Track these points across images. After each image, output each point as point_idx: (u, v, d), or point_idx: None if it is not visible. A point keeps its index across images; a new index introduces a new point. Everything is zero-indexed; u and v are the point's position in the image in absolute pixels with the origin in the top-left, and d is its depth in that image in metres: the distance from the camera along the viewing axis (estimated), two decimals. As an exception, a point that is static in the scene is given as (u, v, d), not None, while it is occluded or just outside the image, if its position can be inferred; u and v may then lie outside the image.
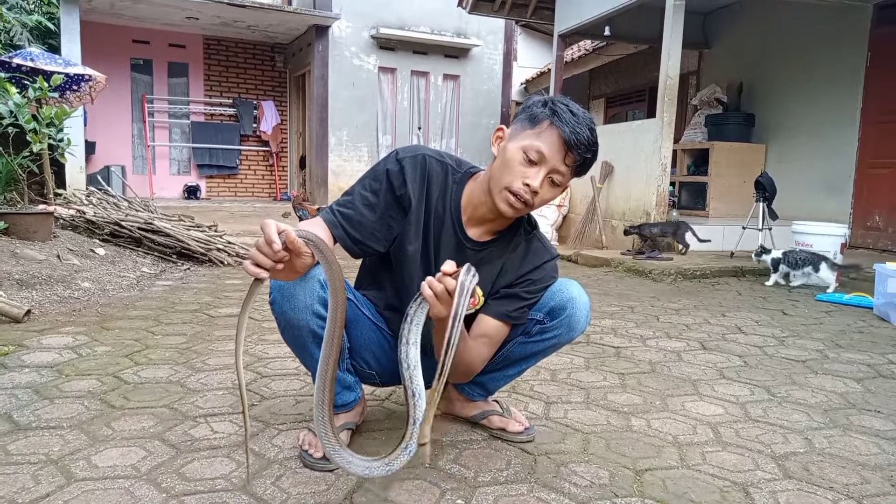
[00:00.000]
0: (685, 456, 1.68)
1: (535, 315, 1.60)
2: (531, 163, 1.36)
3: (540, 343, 1.62)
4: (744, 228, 5.36)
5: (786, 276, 4.56)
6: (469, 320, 1.53)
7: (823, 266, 4.29)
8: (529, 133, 1.38)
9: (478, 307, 1.42)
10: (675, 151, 6.85)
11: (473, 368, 1.57)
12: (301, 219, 7.28)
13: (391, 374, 1.68)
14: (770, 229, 5.25)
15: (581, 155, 1.37)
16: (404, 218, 1.49)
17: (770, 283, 4.59)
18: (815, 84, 6.79)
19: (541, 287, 1.57)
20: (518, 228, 1.55)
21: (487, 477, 1.52)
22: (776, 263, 4.52)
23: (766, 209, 5.24)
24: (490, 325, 1.53)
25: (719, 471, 1.59)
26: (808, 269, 4.35)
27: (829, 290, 4.21)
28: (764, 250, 4.66)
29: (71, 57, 7.74)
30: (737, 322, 3.35)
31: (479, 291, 1.37)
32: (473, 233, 1.52)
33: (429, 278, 1.25)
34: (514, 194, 1.37)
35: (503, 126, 1.46)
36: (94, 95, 6.15)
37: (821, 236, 4.62)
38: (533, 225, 1.58)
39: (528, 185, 1.36)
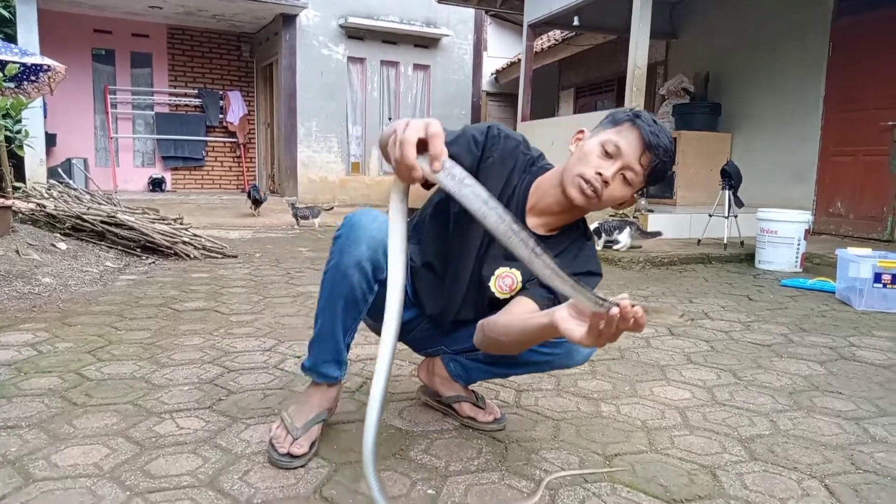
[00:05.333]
0: (654, 440, 1.70)
1: (548, 351, 1.54)
2: (608, 155, 1.37)
3: (535, 354, 1.56)
4: (710, 216, 5.44)
5: (610, 243, 5.32)
6: (498, 305, 1.54)
7: (627, 230, 5.28)
8: (610, 131, 1.40)
9: (515, 291, 1.51)
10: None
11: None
12: (302, 218, 7.13)
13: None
14: (736, 217, 5.33)
15: (658, 157, 1.37)
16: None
17: (599, 248, 5.17)
18: (779, 74, 6.90)
19: (590, 276, 1.54)
20: (575, 232, 1.55)
21: (458, 466, 1.52)
22: (598, 232, 5.28)
23: (731, 197, 5.32)
24: (526, 304, 1.47)
25: (687, 454, 1.61)
26: (616, 232, 5.28)
27: (620, 248, 5.21)
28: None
29: (28, 46, 7.50)
30: (704, 308, 3.40)
31: (518, 276, 1.50)
32: (532, 222, 1.51)
33: None
34: (586, 181, 1.37)
35: (583, 129, 1.49)
36: (54, 86, 5.97)
37: (786, 223, 4.71)
38: (588, 236, 1.58)
39: (600, 174, 1.36)
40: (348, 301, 1.44)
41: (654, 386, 2.13)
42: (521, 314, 1.36)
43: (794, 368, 2.35)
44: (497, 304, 1.53)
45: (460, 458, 1.55)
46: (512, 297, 1.51)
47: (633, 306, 1.01)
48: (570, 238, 1.54)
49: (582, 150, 1.41)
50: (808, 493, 1.42)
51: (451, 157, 1.04)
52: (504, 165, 1.49)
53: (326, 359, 1.52)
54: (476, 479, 1.45)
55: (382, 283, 1.38)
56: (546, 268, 0.99)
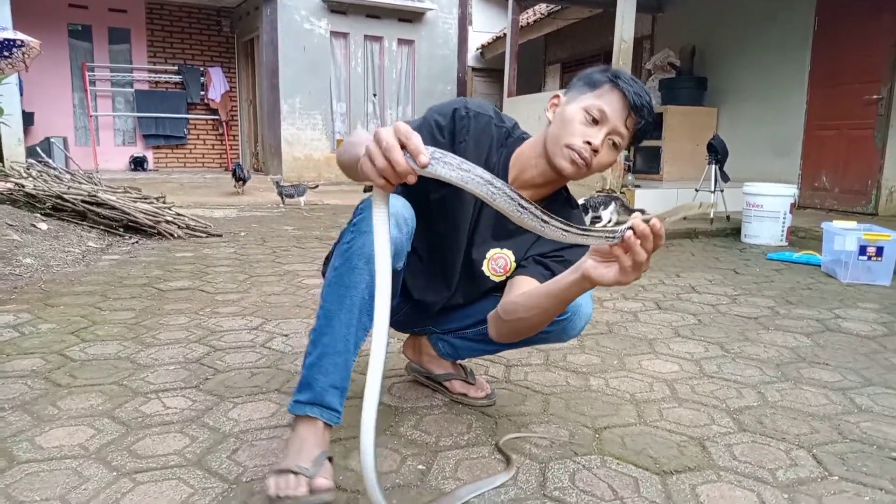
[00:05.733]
0: (643, 413, 1.70)
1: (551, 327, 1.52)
2: (593, 122, 1.31)
3: None
4: (696, 191, 5.45)
5: (596, 219, 5.36)
6: (489, 288, 1.54)
7: (612, 206, 5.38)
8: (590, 95, 1.33)
9: (509, 273, 1.49)
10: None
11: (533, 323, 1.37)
12: (287, 196, 7.01)
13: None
14: (722, 191, 5.35)
15: (643, 118, 1.32)
16: None
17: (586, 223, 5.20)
18: (765, 48, 6.88)
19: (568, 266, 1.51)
20: (559, 201, 1.49)
21: (449, 441, 1.51)
22: (584, 208, 5.31)
23: (718, 172, 5.33)
24: (529, 283, 1.42)
25: (676, 426, 1.62)
26: (601, 208, 5.37)
27: (606, 224, 5.22)
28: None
29: (0, 21, 7.31)
30: (691, 282, 3.41)
31: (510, 256, 1.49)
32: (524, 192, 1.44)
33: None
34: (576, 151, 1.31)
35: (558, 93, 1.42)
36: (28, 63, 5.82)
37: (771, 197, 4.73)
38: (574, 204, 1.54)
39: (589, 143, 1.31)
40: (370, 295, 1.23)
41: (642, 359, 2.14)
42: (535, 289, 1.33)
43: (780, 340, 2.36)
44: (488, 288, 1.52)
45: (450, 434, 1.55)
46: (507, 279, 1.49)
47: (647, 222, 1.01)
48: (557, 207, 1.47)
49: (563, 117, 1.35)
50: (796, 462, 1.43)
51: None
52: (480, 145, 1.43)
53: (333, 383, 1.26)
54: (466, 454, 1.45)
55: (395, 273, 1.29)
56: (558, 230, 1.01)
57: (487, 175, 0.95)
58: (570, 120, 1.33)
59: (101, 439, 1.50)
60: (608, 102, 1.32)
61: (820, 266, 3.81)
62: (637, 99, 1.31)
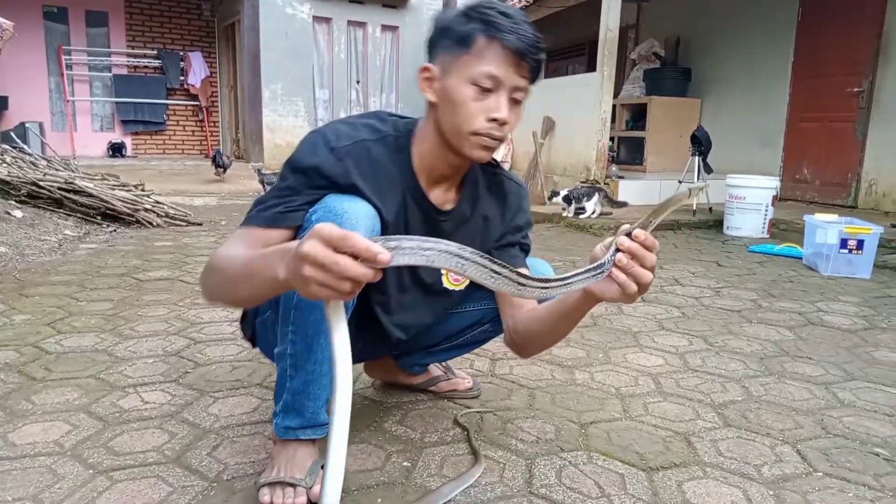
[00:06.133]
0: (628, 407, 1.70)
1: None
2: (486, 91, 1.12)
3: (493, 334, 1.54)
4: (680, 182, 5.46)
5: (578, 210, 5.43)
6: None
7: (595, 197, 5.36)
8: (467, 59, 1.12)
9: (464, 284, 1.38)
10: (614, 106, 6.88)
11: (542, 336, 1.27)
12: (268, 184, 6.92)
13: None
14: (705, 183, 5.36)
15: (534, 59, 1.13)
16: None
17: (570, 215, 5.41)
18: (749, 39, 6.90)
19: (529, 226, 1.42)
20: (472, 179, 1.33)
21: (434, 437, 1.49)
22: (567, 200, 5.40)
23: (701, 163, 5.35)
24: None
25: (661, 421, 1.61)
26: (584, 199, 5.37)
27: (590, 216, 5.32)
28: (554, 193, 5.62)
29: (-27, 2, 7.11)
30: (674, 274, 3.42)
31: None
32: (437, 196, 1.28)
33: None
34: (487, 136, 1.14)
35: (427, 65, 1.18)
36: (1, 45, 5.67)
37: (754, 189, 4.75)
38: (493, 163, 1.37)
39: (495, 119, 1.13)
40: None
41: (627, 353, 2.13)
42: (545, 314, 1.20)
43: (763, 334, 2.37)
44: (451, 300, 1.44)
45: (435, 430, 1.53)
46: (460, 290, 1.39)
47: (630, 239, 0.93)
48: (479, 180, 1.34)
49: (450, 98, 1.14)
50: (781, 458, 1.43)
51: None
52: (377, 174, 1.19)
53: (323, 401, 1.21)
54: (452, 451, 1.43)
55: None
56: (537, 289, 0.96)
57: (453, 247, 0.85)
58: (461, 101, 1.13)
59: (77, 435, 1.46)
60: (494, 62, 1.11)
61: (801, 259, 3.84)
62: (520, 43, 1.10)
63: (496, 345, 2.13)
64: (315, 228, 0.76)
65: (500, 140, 1.17)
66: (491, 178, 1.36)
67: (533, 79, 1.17)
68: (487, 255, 0.88)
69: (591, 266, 0.96)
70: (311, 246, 0.75)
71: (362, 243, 0.75)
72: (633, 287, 0.94)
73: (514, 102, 1.17)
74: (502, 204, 1.37)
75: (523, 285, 0.94)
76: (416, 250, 0.83)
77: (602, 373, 1.94)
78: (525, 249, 1.41)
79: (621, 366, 2.01)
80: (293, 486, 1.18)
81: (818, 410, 1.70)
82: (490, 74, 1.11)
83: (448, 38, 1.15)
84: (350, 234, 0.75)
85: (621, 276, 0.94)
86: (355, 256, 0.75)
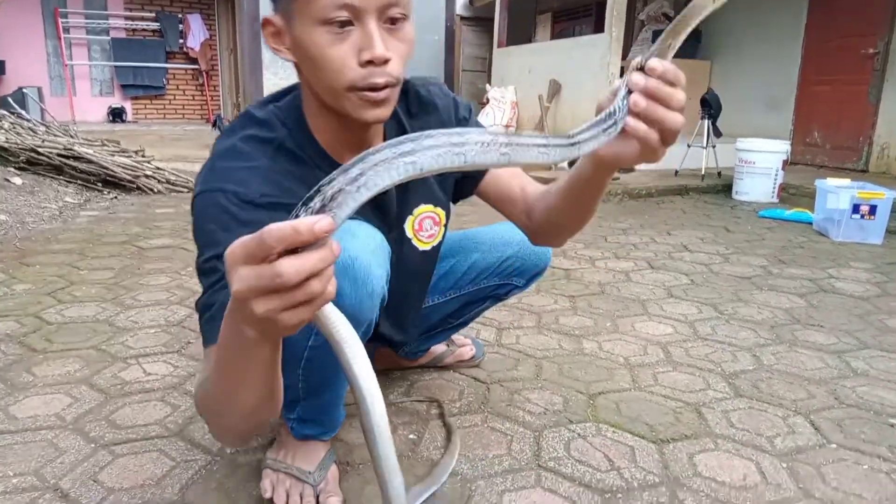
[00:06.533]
0: (637, 378, 1.67)
1: (517, 282, 1.44)
2: (345, 26, 0.85)
3: (491, 301, 1.50)
4: (688, 146, 5.37)
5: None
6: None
7: None
8: None
9: (440, 235, 1.22)
10: (621, 69, 6.73)
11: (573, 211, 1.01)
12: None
13: None
14: (714, 147, 5.27)
15: None
16: None
17: None
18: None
19: (471, 111, 1.20)
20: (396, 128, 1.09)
21: (439, 409, 1.47)
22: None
23: (710, 127, 5.24)
24: (508, 176, 1.17)
25: (671, 391, 1.59)
26: None
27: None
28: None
29: (-34, -37, 6.95)
30: (682, 240, 3.37)
31: (439, 213, 1.19)
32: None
33: None
34: (368, 88, 0.88)
35: (267, 17, 0.92)
36: (-4, 7, 5.55)
37: (764, 153, 4.66)
38: (404, 89, 1.09)
39: (370, 61, 0.86)
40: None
41: (635, 321, 2.10)
42: (558, 194, 0.99)
43: (774, 301, 2.33)
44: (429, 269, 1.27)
45: (442, 401, 1.50)
46: (435, 245, 1.22)
47: (644, 75, 0.68)
48: (405, 120, 1.10)
49: (304, 52, 0.88)
50: (793, 429, 1.40)
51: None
52: (303, 187, 0.80)
53: (343, 398, 1.15)
54: (458, 423, 1.40)
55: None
56: (533, 148, 0.64)
57: (406, 145, 0.55)
58: (318, 53, 0.87)
59: (78, 408, 1.44)
60: None
61: (812, 224, 3.78)
62: None
63: (502, 314, 2.11)
64: (226, 256, 0.54)
65: (390, 85, 0.89)
66: (407, 103, 1.11)
67: None
68: (485, 131, 0.60)
69: (598, 118, 0.69)
70: (238, 280, 0.53)
71: (285, 230, 0.51)
72: (656, 137, 0.69)
73: (392, 24, 0.88)
74: (436, 117, 1.13)
75: (528, 146, 0.63)
76: (388, 165, 0.55)
77: (610, 342, 1.91)
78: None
79: (629, 335, 1.98)
80: (301, 481, 1.12)
81: (831, 380, 1.67)
82: (342, 4, 0.83)
83: None
84: (263, 233, 0.51)
85: (640, 127, 0.68)
86: (294, 250, 0.53)
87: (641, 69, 0.69)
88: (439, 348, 1.68)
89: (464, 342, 1.72)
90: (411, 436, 1.35)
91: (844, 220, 3.38)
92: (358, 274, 0.92)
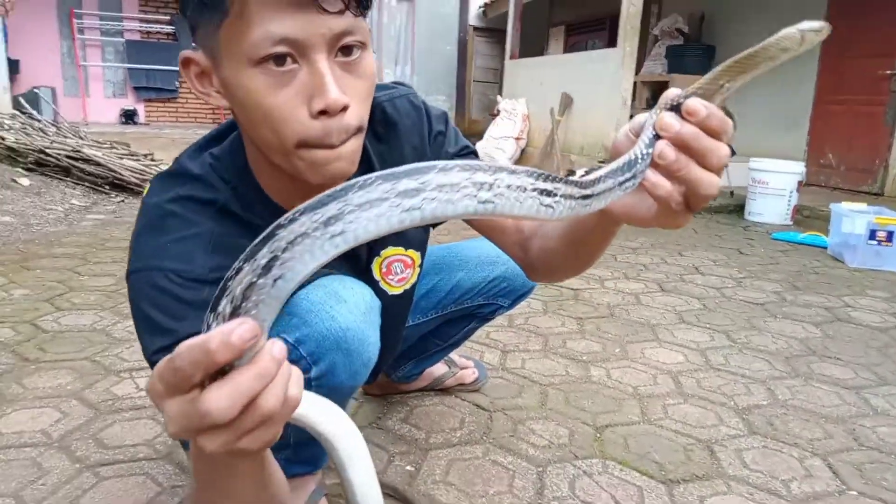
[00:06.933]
0: (646, 409, 1.60)
1: (502, 303, 1.39)
2: (285, 63, 0.67)
3: (477, 320, 1.44)
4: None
5: None
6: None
7: None
8: (230, 26, 0.66)
9: (412, 278, 1.09)
10: (634, 84, 6.69)
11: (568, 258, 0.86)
12: None
13: None
14: (727, 165, 5.19)
15: None
16: None
17: None
18: (776, 16, 6.63)
19: (444, 120, 1.02)
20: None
21: (440, 438, 1.41)
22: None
23: (724, 145, 5.17)
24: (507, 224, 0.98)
25: (682, 426, 1.52)
26: None
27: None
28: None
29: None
30: (694, 262, 3.30)
31: (412, 255, 1.06)
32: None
33: None
34: (322, 146, 0.71)
35: (188, 54, 0.74)
36: (9, 6, 5.57)
37: (779, 174, 4.59)
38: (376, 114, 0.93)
39: (324, 111, 0.68)
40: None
41: (645, 347, 2.03)
42: (559, 238, 0.82)
43: (789, 330, 2.26)
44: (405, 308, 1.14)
45: (442, 429, 1.45)
46: (408, 289, 1.10)
47: (677, 117, 0.53)
48: (371, 148, 0.93)
49: (237, 99, 0.71)
50: (810, 473, 1.34)
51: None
52: (227, 248, 0.76)
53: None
54: (459, 454, 1.35)
55: None
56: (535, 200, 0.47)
57: (332, 206, 0.41)
58: (255, 105, 0.69)
59: (66, 424, 1.40)
60: (271, 10, 0.64)
61: (826, 248, 3.70)
62: None
63: (508, 335, 2.05)
64: (148, 391, 0.44)
65: (351, 132, 0.72)
66: (372, 124, 0.90)
67: (359, 5, 0.68)
68: (455, 165, 0.43)
69: (614, 167, 0.54)
70: (169, 420, 0.42)
71: (194, 353, 0.39)
72: (680, 200, 0.55)
73: (347, 56, 0.70)
74: (408, 140, 0.96)
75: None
76: (309, 242, 0.41)
77: (619, 369, 1.85)
78: (475, 152, 1.04)
79: (639, 362, 1.91)
80: None
81: (849, 418, 1.60)
82: (276, 37, 0.65)
83: (192, 7, 0.69)
84: (175, 357, 0.40)
85: (662, 185, 0.54)
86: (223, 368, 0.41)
87: (676, 108, 0.53)
88: (439, 369, 1.62)
89: (466, 364, 1.66)
90: (409, 467, 1.29)
91: (861, 246, 3.31)
92: (352, 346, 0.84)
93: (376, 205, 0.40)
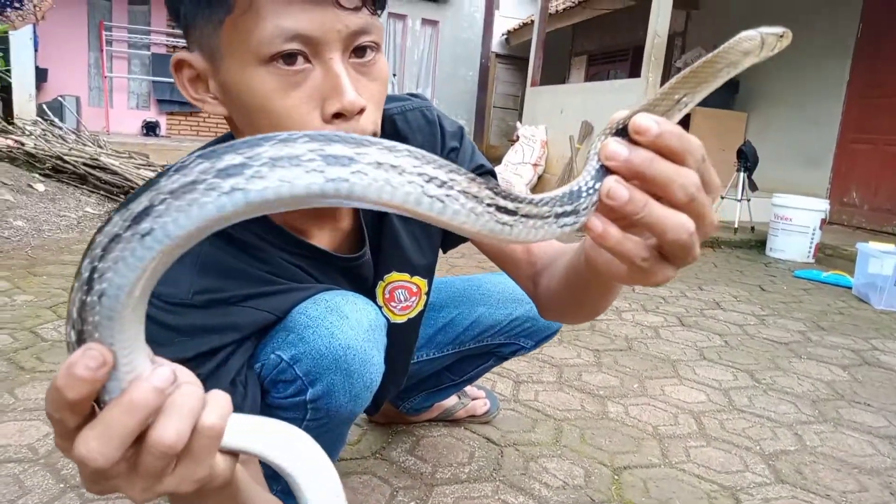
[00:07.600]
0: (667, 451, 1.51)
1: (524, 343, 1.28)
2: (298, 62, 0.62)
3: (494, 358, 1.34)
4: (722, 198, 5.20)
5: None
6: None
7: None
8: (235, 23, 0.61)
9: (419, 306, 1.01)
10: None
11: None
12: None
13: None
14: (749, 200, 5.11)
15: None
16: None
17: None
18: (802, 53, 6.58)
19: (461, 137, 0.95)
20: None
21: (447, 473, 1.32)
22: None
23: (746, 179, 5.09)
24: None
25: (705, 471, 1.42)
26: None
27: None
28: None
29: (17, -27, 7.11)
30: (714, 296, 3.20)
31: (418, 283, 0.97)
32: (326, 239, 0.84)
33: None
34: None
35: (181, 56, 0.68)
36: (40, 15, 5.64)
37: (802, 210, 4.49)
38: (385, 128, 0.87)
39: (339, 114, 0.63)
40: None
41: (665, 384, 1.94)
42: (557, 274, 0.76)
43: (815, 372, 2.16)
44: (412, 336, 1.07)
45: (449, 463, 1.36)
46: (413, 318, 1.02)
47: (622, 141, 0.42)
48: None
49: (240, 101, 0.65)
50: (846, 530, 1.24)
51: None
52: (252, 270, 0.76)
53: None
54: (466, 492, 1.26)
55: None
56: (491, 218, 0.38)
57: (144, 196, 0.34)
58: (263, 108, 0.64)
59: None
60: (285, 13, 0.59)
61: (851, 288, 3.59)
62: None
63: (521, 365, 1.96)
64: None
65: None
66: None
67: (375, 4, 0.64)
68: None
69: (557, 194, 0.41)
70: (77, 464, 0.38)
71: (53, 393, 0.35)
72: (643, 254, 0.43)
73: (362, 57, 0.65)
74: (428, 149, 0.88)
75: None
76: (123, 248, 0.33)
77: (637, 406, 1.76)
78: (492, 172, 0.96)
79: (659, 399, 1.82)
80: None
81: (884, 470, 1.50)
82: (289, 33, 0.60)
83: (191, 6, 0.64)
84: (47, 400, 0.36)
85: (611, 235, 0.42)
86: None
87: (624, 130, 0.41)
88: (450, 401, 1.53)
89: (477, 395, 1.58)
90: (412, 503, 1.21)
91: (888, 288, 3.19)
92: (353, 366, 0.78)
93: (188, 192, 0.32)
